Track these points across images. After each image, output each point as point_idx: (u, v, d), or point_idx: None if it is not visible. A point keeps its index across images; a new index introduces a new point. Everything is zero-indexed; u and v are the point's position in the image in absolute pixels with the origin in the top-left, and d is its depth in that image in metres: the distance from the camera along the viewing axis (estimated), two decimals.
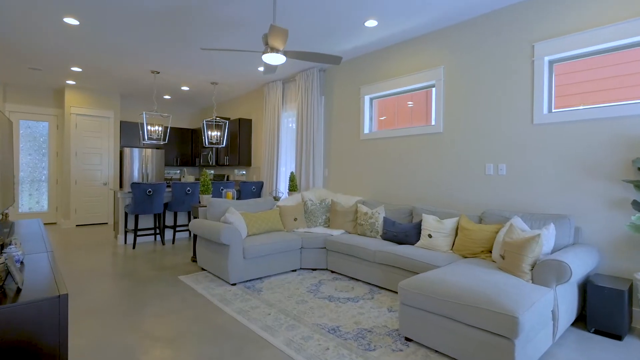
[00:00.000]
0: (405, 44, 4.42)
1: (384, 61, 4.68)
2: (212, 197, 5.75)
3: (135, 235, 5.22)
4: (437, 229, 3.42)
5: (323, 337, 2.46)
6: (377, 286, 3.57)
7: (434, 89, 4.23)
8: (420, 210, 3.82)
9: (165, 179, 8.69)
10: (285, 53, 3.07)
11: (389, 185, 4.61)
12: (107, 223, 7.61)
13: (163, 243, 5.53)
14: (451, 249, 3.36)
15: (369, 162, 4.88)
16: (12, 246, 1.87)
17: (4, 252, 1.82)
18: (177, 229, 6.09)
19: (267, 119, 6.56)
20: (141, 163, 7.74)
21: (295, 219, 4.44)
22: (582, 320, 2.83)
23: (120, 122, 7.78)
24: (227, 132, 7.51)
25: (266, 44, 2.96)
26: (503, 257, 2.60)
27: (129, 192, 5.50)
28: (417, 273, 3.14)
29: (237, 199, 6.28)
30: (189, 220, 6.22)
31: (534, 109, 3.28)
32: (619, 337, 2.51)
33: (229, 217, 3.73)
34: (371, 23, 3.91)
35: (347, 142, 5.21)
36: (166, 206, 5.75)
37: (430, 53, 4.15)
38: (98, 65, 5.59)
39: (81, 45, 4.72)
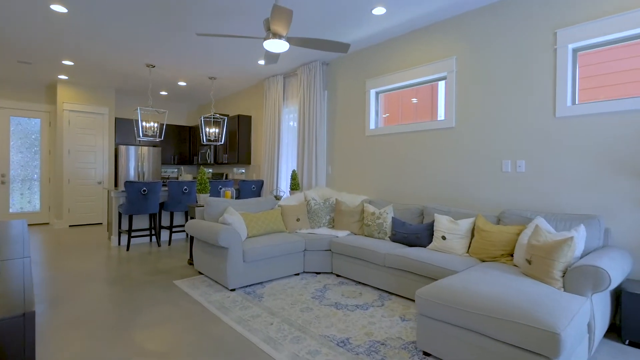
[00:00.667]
0: (415, 33, 4.17)
1: (392, 53, 4.44)
2: (210, 196, 5.50)
3: (129, 237, 4.97)
4: (451, 230, 3.19)
5: (332, 351, 2.22)
6: (386, 292, 3.33)
7: (441, 83, 3.99)
8: (431, 210, 3.59)
9: (162, 178, 8.45)
10: (288, 39, 2.83)
11: (396, 183, 4.37)
12: (101, 223, 7.35)
13: (159, 245, 5.28)
14: (467, 252, 3.12)
15: (374, 159, 4.64)
16: None
17: None
18: (174, 229, 5.84)
19: (268, 115, 6.31)
20: (137, 161, 7.49)
21: (298, 220, 4.19)
22: (613, 331, 2.60)
23: (115, 118, 7.52)
24: (226, 129, 7.26)
25: (268, 29, 2.71)
26: (529, 262, 2.37)
27: (122, 192, 5.25)
28: (431, 278, 2.90)
29: (236, 198, 6.03)
30: (186, 220, 5.97)
31: (557, 100, 3.04)
32: None
33: (228, 217, 3.49)
34: (379, 10, 3.67)
35: (352, 139, 4.96)
36: (162, 206, 5.50)
37: (441, 43, 3.90)
38: (90, 58, 5.33)
39: (71, 35, 4.46)
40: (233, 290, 3.33)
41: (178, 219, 5.87)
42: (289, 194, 5.48)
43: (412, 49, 4.20)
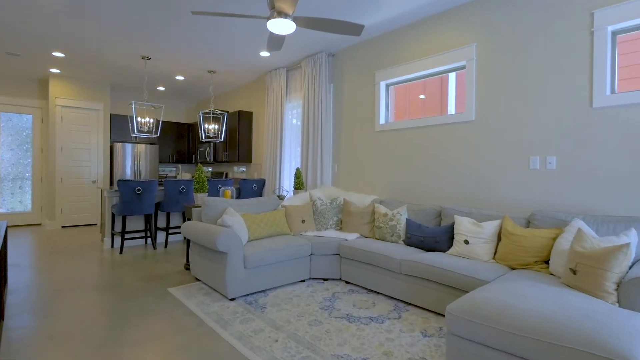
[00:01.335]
0: (430, 20, 3.86)
1: (404, 42, 4.12)
2: (209, 196, 5.19)
3: (123, 239, 4.67)
4: (474, 233, 2.87)
5: None
6: (402, 301, 3.01)
7: (451, 75, 3.68)
8: (451, 212, 3.27)
9: (160, 177, 8.14)
10: (295, 20, 2.51)
11: (409, 182, 4.05)
12: (96, 224, 7.05)
13: (154, 247, 4.97)
14: (493, 258, 2.81)
15: (385, 156, 4.33)
16: None
17: None
18: (170, 231, 5.54)
19: (270, 110, 6.00)
20: (133, 159, 7.19)
21: (303, 221, 3.88)
22: None
23: (111, 115, 7.21)
24: (226, 125, 6.95)
25: (272, 7, 2.40)
26: (574, 272, 2.05)
27: (116, 191, 4.94)
28: (455, 288, 2.59)
29: (237, 198, 5.72)
30: (184, 221, 5.66)
31: (594, 89, 2.72)
32: None
33: (227, 219, 3.18)
34: None
35: (360, 135, 4.65)
36: (158, 206, 5.20)
37: (460, 29, 3.59)
38: (81, 49, 5.03)
39: (61, 24, 4.15)
40: (233, 299, 3.02)
41: (175, 220, 5.56)
42: (292, 194, 5.17)
43: (427, 36, 3.89)
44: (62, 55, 5.28)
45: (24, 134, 6.79)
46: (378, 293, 3.21)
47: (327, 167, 4.93)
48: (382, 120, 4.41)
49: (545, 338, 1.52)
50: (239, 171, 7.26)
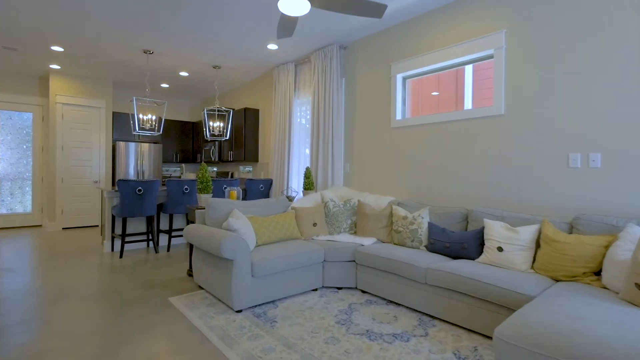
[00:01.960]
0: (452, 5, 3.56)
1: (423, 31, 3.82)
2: (213, 197, 4.93)
3: (123, 242, 4.41)
4: (509, 239, 2.56)
5: None
6: (427, 315, 2.71)
7: (468, 67, 3.37)
8: (479, 215, 2.97)
9: (164, 177, 7.91)
10: None
11: (428, 182, 3.75)
12: (97, 226, 6.83)
13: (156, 251, 4.72)
14: (531, 267, 2.50)
15: (401, 154, 4.03)
16: None
17: None
18: (173, 234, 5.28)
19: (277, 107, 5.73)
20: (136, 159, 6.96)
21: (315, 224, 3.60)
22: None
23: (113, 113, 6.99)
24: (231, 124, 6.69)
25: None
26: None
27: (116, 191, 4.70)
28: (490, 302, 2.28)
29: (243, 198, 5.45)
30: (187, 224, 5.41)
31: None
32: None
33: (233, 222, 2.90)
34: None
35: (374, 132, 4.36)
36: (160, 207, 4.95)
37: (486, 15, 3.28)
38: (81, 43, 4.79)
39: (59, 15, 3.91)
40: (239, 311, 2.74)
41: (178, 221, 5.30)
42: (302, 195, 4.89)
43: (448, 24, 3.58)
44: (61, 49, 5.05)
45: (24, 132, 6.58)
46: (399, 305, 2.91)
47: (339, 167, 4.64)
48: (398, 116, 4.11)
49: None
50: (244, 171, 6.99)
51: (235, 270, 2.69)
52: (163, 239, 5.19)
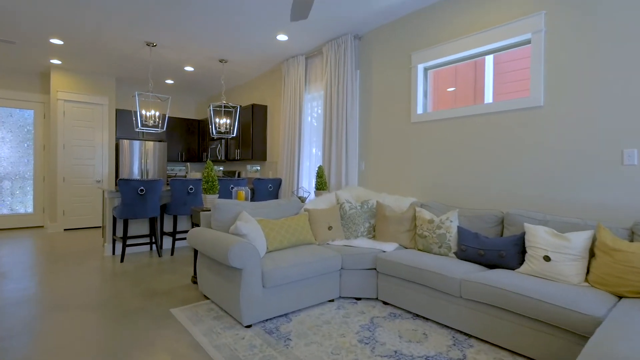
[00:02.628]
0: None
1: (448, 16, 3.50)
2: (220, 197, 4.65)
3: (124, 245, 4.15)
4: (557, 247, 2.23)
5: None
6: (462, 333, 2.39)
7: (488, 58, 3.03)
8: (517, 218, 2.64)
9: (169, 177, 7.66)
10: None
11: (453, 182, 3.43)
12: (100, 227, 6.59)
13: (159, 254, 4.45)
14: (585, 280, 2.17)
15: (423, 151, 3.71)
16: None
17: None
18: (177, 236, 5.01)
19: (286, 103, 5.44)
20: (140, 158, 6.71)
21: (330, 228, 3.29)
22: None
23: (116, 110, 6.75)
24: (239, 121, 6.41)
25: None
26: None
27: (117, 191, 4.44)
28: (541, 321, 1.95)
29: (251, 199, 5.17)
30: (192, 226, 5.13)
31: None
32: None
33: (242, 226, 2.61)
34: None
35: (392, 127, 4.04)
36: (164, 208, 4.68)
37: None
38: (81, 35, 4.54)
39: (57, 5, 3.65)
40: (249, 326, 2.45)
41: (182, 223, 5.04)
42: (314, 195, 4.59)
43: (477, 8, 3.25)
44: (61, 42, 4.81)
45: (26, 130, 6.37)
46: (427, 319, 2.60)
47: (353, 165, 4.33)
48: (419, 110, 3.79)
49: None
50: (252, 170, 6.71)
51: (244, 281, 2.40)
52: (167, 242, 4.93)
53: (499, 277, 2.22)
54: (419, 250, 3.02)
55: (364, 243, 3.15)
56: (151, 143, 6.80)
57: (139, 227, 4.69)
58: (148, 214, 4.24)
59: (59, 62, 5.74)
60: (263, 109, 6.25)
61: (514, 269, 2.44)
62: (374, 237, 3.39)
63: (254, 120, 6.15)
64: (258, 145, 6.21)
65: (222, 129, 5.83)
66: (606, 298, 1.91)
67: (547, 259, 2.25)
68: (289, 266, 2.58)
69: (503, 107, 3.06)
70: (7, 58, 5.53)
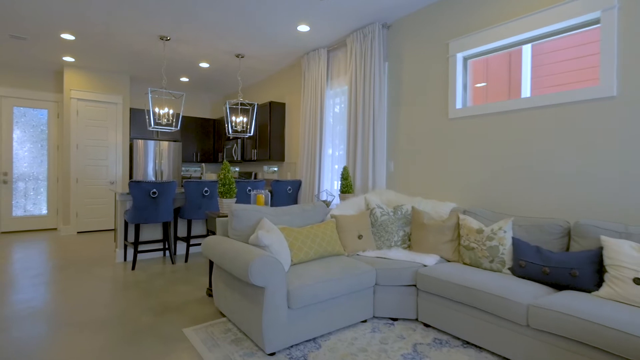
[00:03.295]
0: None
1: None
2: (237, 201, 4.35)
3: (136, 252, 3.89)
4: None
5: None
6: None
7: (526, 48, 2.60)
8: (590, 229, 2.21)
9: (184, 178, 7.42)
10: None
11: (502, 185, 3.01)
12: (114, 230, 6.40)
13: (173, 262, 4.17)
14: None
15: (463, 151, 3.31)
16: None
17: None
18: (192, 242, 4.73)
19: (307, 100, 5.10)
20: (155, 158, 6.49)
21: (361, 237, 2.93)
22: None
23: (130, 109, 6.55)
24: (255, 120, 6.11)
25: None
26: None
27: (128, 194, 4.18)
28: None
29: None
30: (207, 231, 4.85)
31: None
32: None
33: (264, 237, 2.27)
34: None
35: (426, 124, 3.64)
36: (178, 212, 4.41)
37: None
38: (92, 29, 4.31)
39: None
40: (272, 354, 2.10)
41: (197, 228, 4.75)
42: (338, 199, 4.23)
43: None
44: (72, 37, 4.60)
45: (39, 130, 6.23)
46: (481, 349, 2.20)
47: (381, 166, 3.96)
48: (458, 104, 3.39)
49: None
50: (269, 171, 6.40)
51: (267, 301, 2.06)
52: (181, 247, 4.66)
53: (579, 303, 1.81)
54: (464, 264, 2.63)
55: (400, 255, 2.77)
56: (166, 143, 6.58)
57: (151, 232, 4.43)
58: (160, 218, 3.96)
59: (72, 60, 5.56)
60: (281, 106, 5.93)
61: (590, 292, 2.02)
62: (409, 247, 3.00)
63: (272, 119, 5.84)
64: (276, 145, 5.89)
65: (239, 128, 5.54)
66: None
67: (637, 281, 1.83)
68: (317, 283, 2.23)
69: (562, 98, 2.63)
70: (21, 56, 5.38)
